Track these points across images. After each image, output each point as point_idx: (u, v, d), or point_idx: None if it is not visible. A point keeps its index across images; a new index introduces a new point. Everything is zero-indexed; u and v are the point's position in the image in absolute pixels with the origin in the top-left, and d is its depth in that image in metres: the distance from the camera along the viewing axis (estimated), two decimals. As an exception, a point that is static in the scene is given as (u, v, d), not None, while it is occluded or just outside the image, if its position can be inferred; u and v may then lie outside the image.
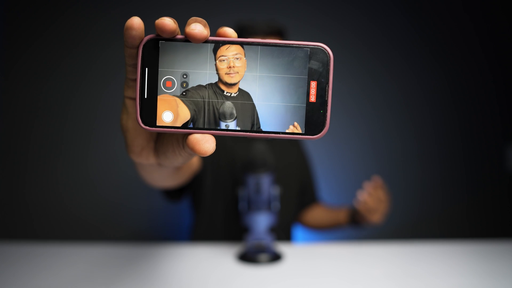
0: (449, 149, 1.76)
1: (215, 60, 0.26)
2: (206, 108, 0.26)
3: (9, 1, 1.58)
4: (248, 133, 0.26)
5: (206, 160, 0.89)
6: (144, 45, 0.26)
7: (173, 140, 0.29)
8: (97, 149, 1.60)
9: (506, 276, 0.63)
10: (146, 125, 0.26)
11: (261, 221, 0.74)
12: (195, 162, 0.66)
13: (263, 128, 0.26)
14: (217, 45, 0.26)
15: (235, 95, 0.26)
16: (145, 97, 0.26)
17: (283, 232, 0.96)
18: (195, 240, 0.94)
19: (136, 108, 0.26)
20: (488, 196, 1.78)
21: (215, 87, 0.26)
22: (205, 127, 0.26)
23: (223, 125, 0.26)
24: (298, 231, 1.61)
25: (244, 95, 0.26)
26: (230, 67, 0.26)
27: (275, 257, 0.71)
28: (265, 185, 0.72)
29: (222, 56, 0.26)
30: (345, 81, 1.70)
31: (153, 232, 1.62)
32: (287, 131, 0.26)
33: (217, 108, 0.26)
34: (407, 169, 1.73)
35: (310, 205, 1.06)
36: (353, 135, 1.70)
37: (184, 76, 0.26)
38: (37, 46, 1.59)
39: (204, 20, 0.25)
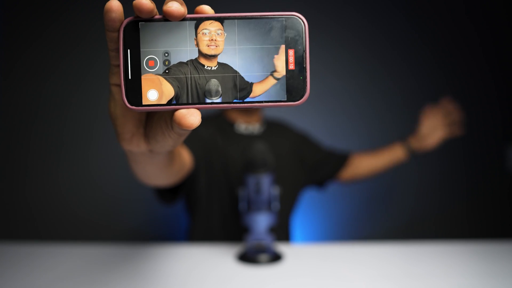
0: (449, 149, 1.76)
1: (196, 34, 0.26)
2: (188, 84, 0.27)
3: (8, 1, 1.58)
4: (232, 105, 0.27)
5: (199, 162, 0.88)
6: (124, 28, 0.26)
7: (161, 122, 0.30)
8: (96, 149, 1.60)
9: (506, 276, 0.63)
10: (132, 105, 0.27)
11: (261, 221, 0.73)
12: (186, 160, 0.66)
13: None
14: (199, 21, 0.26)
15: (215, 68, 0.27)
16: (129, 78, 0.27)
17: (282, 232, 0.95)
18: (196, 240, 0.94)
19: (121, 89, 0.27)
20: (488, 196, 1.77)
21: (196, 63, 0.27)
22: (189, 102, 0.27)
23: (208, 101, 0.27)
24: (296, 231, 1.61)
25: (224, 67, 0.27)
26: (211, 39, 0.26)
27: (275, 257, 0.71)
28: (265, 185, 0.72)
29: (205, 29, 0.26)
30: (343, 81, 1.70)
31: (152, 232, 1.62)
32: (270, 99, 0.27)
33: (199, 83, 0.27)
34: (407, 169, 1.73)
35: (343, 161, 1.05)
36: (352, 134, 1.70)
37: (166, 55, 0.26)
38: (36, 46, 1.59)
39: None
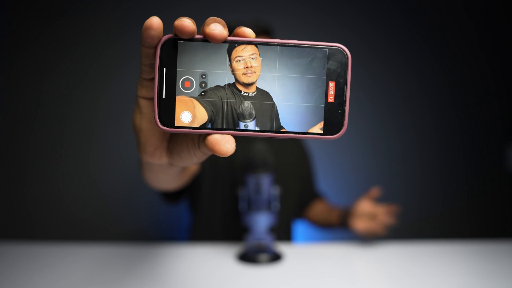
0: (450, 149, 1.76)
1: (230, 61, 0.26)
2: (224, 109, 0.26)
3: (9, 0, 1.58)
4: (267, 134, 0.26)
5: (205, 161, 0.89)
6: (162, 45, 0.26)
7: (188, 140, 0.29)
8: (97, 149, 1.60)
9: (506, 276, 0.63)
10: (164, 126, 0.26)
11: (261, 221, 0.73)
12: (195, 167, 0.66)
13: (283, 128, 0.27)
14: (232, 46, 0.26)
15: (253, 94, 0.26)
16: (163, 97, 0.26)
17: (283, 232, 0.95)
18: (194, 240, 0.94)
19: (154, 109, 0.26)
20: (489, 196, 1.78)
21: (233, 87, 0.26)
22: (224, 127, 0.26)
23: (242, 125, 0.26)
24: (298, 231, 1.61)
25: (263, 95, 0.26)
26: (247, 67, 0.26)
27: (275, 257, 0.71)
28: (265, 185, 0.72)
29: (238, 56, 0.26)
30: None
31: (153, 232, 1.62)
32: (308, 131, 0.27)
33: (235, 109, 0.26)
34: (408, 169, 1.73)
35: (312, 200, 1.06)
36: (353, 135, 1.70)
37: (203, 77, 0.26)
38: (37, 46, 1.59)
39: (223, 21, 0.25)
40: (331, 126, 0.27)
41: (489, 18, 1.77)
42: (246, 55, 0.26)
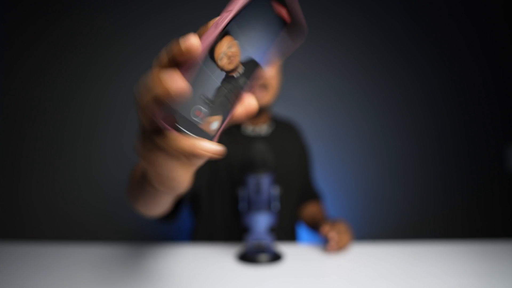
0: (449, 149, 1.76)
1: (215, 62, 0.25)
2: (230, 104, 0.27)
3: (10, 0, 1.58)
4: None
5: (204, 163, 0.88)
6: None
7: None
8: (98, 150, 1.60)
9: (506, 276, 0.63)
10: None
11: (261, 221, 0.73)
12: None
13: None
14: (211, 50, 0.25)
15: (242, 71, 0.27)
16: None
17: (284, 233, 0.95)
18: (197, 240, 0.94)
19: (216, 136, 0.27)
20: (488, 196, 1.77)
21: (227, 80, 0.26)
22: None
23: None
24: (301, 231, 1.61)
25: (248, 65, 0.27)
26: (229, 57, 0.26)
27: (275, 257, 0.71)
28: (265, 185, 0.72)
29: (221, 53, 0.26)
30: (345, 81, 1.70)
31: (154, 233, 1.62)
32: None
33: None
34: (407, 169, 1.73)
35: (308, 199, 1.07)
36: (354, 135, 1.70)
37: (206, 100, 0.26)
38: (37, 46, 1.59)
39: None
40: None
41: (489, 18, 1.77)
42: (225, 49, 0.26)
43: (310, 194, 1.08)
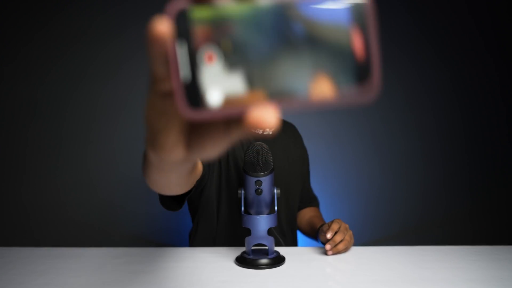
0: (453, 152, 1.75)
1: None
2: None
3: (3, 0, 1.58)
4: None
5: (204, 166, 0.87)
6: (176, 15, 0.22)
7: (212, 128, 0.25)
8: (96, 152, 1.60)
9: (509, 282, 0.62)
10: (190, 112, 0.22)
11: (261, 223, 0.73)
12: (200, 165, 0.64)
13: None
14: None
15: None
16: (184, 79, 0.22)
17: (284, 235, 0.95)
18: (196, 243, 0.93)
19: (176, 94, 0.22)
20: (493, 200, 1.76)
21: None
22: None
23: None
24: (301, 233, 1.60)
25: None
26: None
27: (275, 260, 0.70)
28: (266, 186, 0.71)
29: None
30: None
31: (153, 237, 1.61)
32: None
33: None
34: (410, 173, 1.72)
35: (305, 206, 1.06)
36: (357, 137, 1.69)
37: (228, 45, 0.22)
38: (32, 45, 1.58)
39: None
40: (360, 85, 0.23)
41: (493, 17, 1.76)
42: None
43: (306, 200, 1.07)
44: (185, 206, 1.40)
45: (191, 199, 0.93)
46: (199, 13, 0.22)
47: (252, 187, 0.71)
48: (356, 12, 0.23)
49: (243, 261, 0.70)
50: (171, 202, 0.84)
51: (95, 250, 0.76)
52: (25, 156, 1.59)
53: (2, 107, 1.58)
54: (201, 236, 0.92)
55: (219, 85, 0.22)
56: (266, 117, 0.22)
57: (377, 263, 0.72)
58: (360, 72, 0.23)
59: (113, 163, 1.60)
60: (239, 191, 0.83)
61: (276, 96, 0.22)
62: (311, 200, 1.07)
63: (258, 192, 0.71)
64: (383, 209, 1.69)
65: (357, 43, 0.23)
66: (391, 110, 1.71)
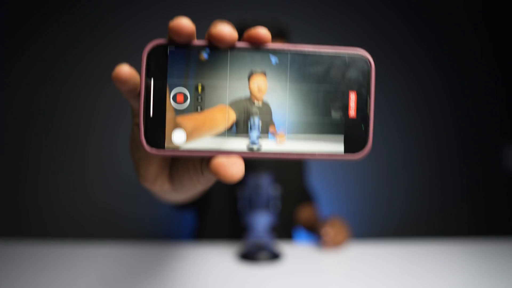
0: (449, 148, 1.76)
1: (249, 82, 0.23)
2: (243, 118, 0.23)
3: (11, 0, 1.58)
4: (279, 155, 0.23)
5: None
6: (149, 53, 0.22)
7: (189, 165, 0.26)
8: (99, 150, 1.61)
9: (505, 274, 0.64)
10: (152, 148, 0.22)
11: (261, 221, 0.74)
12: None
13: (295, 146, 0.23)
14: (250, 74, 0.23)
15: (260, 105, 0.23)
16: (151, 115, 0.22)
17: (284, 231, 0.96)
18: (197, 239, 0.94)
19: (140, 128, 0.22)
20: (488, 195, 1.78)
21: (249, 100, 0.23)
22: (229, 149, 0.23)
23: (252, 147, 0.23)
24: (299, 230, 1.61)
25: (266, 105, 0.23)
26: (259, 88, 0.23)
27: (275, 256, 0.71)
28: (265, 184, 0.72)
29: (254, 82, 0.23)
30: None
31: (154, 233, 1.62)
32: (323, 150, 0.23)
33: (250, 116, 0.23)
34: (407, 168, 1.74)
35: (302, 200, 1.07)
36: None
37: (199, 90, 0.22)
38: (38, 46, 1.59)
39: (230, 22, 0.24)
40: (353, 144, 0.23)
41: (488, 18, 1.77)
42: (260, 81, 0.23)
43: (304, 195, 1.08)
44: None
45: (196, 201, 0.95)
46: (175, 53, 0.22)
47: (252, 185, 0.73)
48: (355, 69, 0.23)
49: (242, 256, 0.71)
50: (180, 205, 0.85)
51: (96, 245, 0.77)
52: (29, 153, 1.59)
53: (8, 107, 1.59)
54: (203, 231, 0.94)
55: (186, 125, 0.22)
56: (228, 166, 0.22)
57: (374, 258, 0.73)
58: (349, 130, 0.23)
59: (116, 159, 1.61)
60: (239, 189, 0.84)
61: (248, 146, 0.23)
62: (308, 196, 1.09)
63: (258, 190, 0.72)
64: (380, 205, 1.71)
65: (351, 102, 0.23)
66: (387, 108, 1.73)
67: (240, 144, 0.23)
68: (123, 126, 1.61)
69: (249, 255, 0.71)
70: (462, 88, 1.77)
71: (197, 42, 0.22)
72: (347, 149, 0.23)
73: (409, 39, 1.74)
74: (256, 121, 0.23)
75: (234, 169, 0.22)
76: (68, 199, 1.59)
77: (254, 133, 0.23)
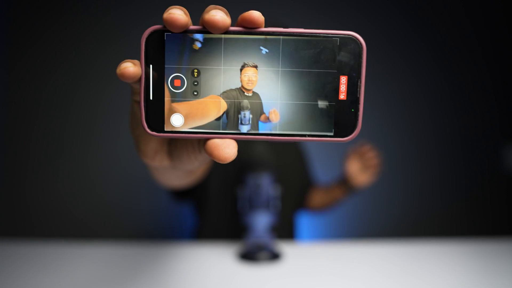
0: (448, 148, 1.77)
1: (240, 73, 0.24)
2: (233, 108, 0.24)
3: None
4: (271, 137, 0.24)
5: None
6: (147, 38, 0.23)
7: (187, 144, 0.27)
8: (100, 148, 1.61)
9: (505, 274, 0.64)
10: (152, 131, 0.24)
11: (261, 221, 0.74)
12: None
13: (286, 129, 0.24)
14: (243, 66, 0.24)
15: (251, 95, 0.24)
16: (150, 99, 0.23)
17: (284, 231, 0.96)
18: (197, 239, 0.94)
19: (141, 112, 0.23)
20: (487, 195, 1.78)
21: (240, 90, 0.24)
22: (224, 131, 0.24)
23: (244, 119, 0.24)
24: (300, 228, 1.61)
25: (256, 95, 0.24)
26: (249, 80, 0.24)
27: (275, 256, 0.71)
28: (265, 184, 0.72)
29: (246, 73, 0.24)
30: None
31: (154, 232, 1.62)
32: (316, 133, 0.24)
33: (240, 106, 0.24)
34: (406, 168, 1.74)
35: (308, 191, 1.09)
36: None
37: (195, 75, 0.23)
38: (40, 45, 1.59)
39: (225, 8, 0.24)
40: (342, 127, 0.24)
41: (487, 17, 1.77)
42: (250, 73, 0.24)
43: (310, 184, 1.10)
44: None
45: (194, 194, 0.95)
46: (172, 39, 0.23)
47: (251, 185, 0.73)
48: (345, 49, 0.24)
49: (242, 256, 0.71)
50: (179, 194, 0.85)
51: (96, 244, 0.77)
52: (30, 153, 1.59)
53: (9, 106, 1.59)
54: (203, 231, 0.94)
55: (183, 108, 0.23)
56: (221, 148, 0.23)
57: (374, 257, 0.73)
58: (339, 113, 0.24)
59: (116, 159, 1.61)
60: (239, 188, 0.84)
61: (239, 127, 0.24)
62: (313, 183, 1.11)
63: (258, 190, 0.72)
64: (380, 205, 1.71)
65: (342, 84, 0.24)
66: (386, 107, 1.73)
67: (233, 128, 0.24)
68: (123, 125, 1.61)
69: (249, 255, 0.71)
70: (461, 88, 1.77)
71: (192, 27, 0.23)
72: (336, 132, 0.24)
73: (409, 39, 1.74)
74: (247, 111, 0.24)
75: (227, 150, 0.23)
76: (68, 198, 1.59)
77: (246, 120, 0.24)
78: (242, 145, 0.94)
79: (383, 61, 1.73)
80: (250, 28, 0.23)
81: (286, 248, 0.80)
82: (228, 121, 0.24)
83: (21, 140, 1.59)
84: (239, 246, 0.81)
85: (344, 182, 0.97)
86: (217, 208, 0.92)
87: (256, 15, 0.23)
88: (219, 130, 0.24)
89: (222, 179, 0.92)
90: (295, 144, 1.06)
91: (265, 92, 0.24)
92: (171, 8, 0.22)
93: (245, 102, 0.24)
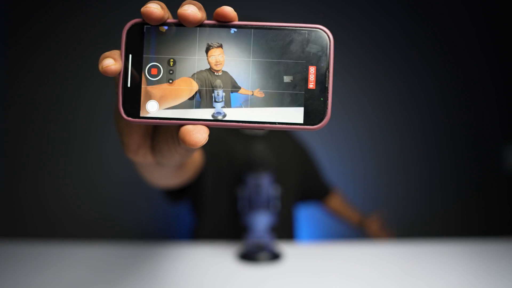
0: (448, 148, 1.77)
1: (207, 56, 0.25)
2: (205, 87, 0.25)
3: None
4: (242, 124, 0.25)
5: (207, 159, 0.88)
6: (128, 30, 0.25)
7: (167, 136, 0.28)
8: (98, 148, 1.61)
9: (505, 274, 0.64)
10: (129, 116, 0.25)
11: (261, 221, 0.74)
12: (197, 158, 0.65)
13: (258, 118, 0.25)
14: (208, 47, 0.25)
15: (220, 74, 0.25)
16: (128, 86, 0.25)
17: (283, 231, 0.96)
18: (196, 239, 0.94)
19: (118, 98, 0.25)
20: (487, 195, 1.78)
21: (209, 71, 0.25)
22: (197, 118, 0.25)
23: (216, 116, 0.25)
24: (300, 228, 1.61)
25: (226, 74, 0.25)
26: (217, 61, 0.25)
27: (275, 256, 0.71)
28: (265, 185, 0.72)
29: (212, 56, 0.25)
30: (344, 81, 1.71)
31: (153, 232, 1.62)
32: (286, 121, 0.25)
33: (212, 85, 0.25)
34: (406, 168, 1.74)
35: (328, 193, 1.15)
36: (352, 134, 1.71)
37: (171, 64, 0.25)
38: (39, 45, 1.59)
39: (199, 3, 0.25)
40: (312, 115, 0.25)
41: (487, 17, 1.77)
42: (216, 54, 0.25)
43: (326, 187, 1.15)
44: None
45: (191, 193, 0.95)
46: (150, 31, 0.25)
47: (251, 185, 0.73)
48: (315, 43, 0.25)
49: (242, 256, 0.71)
50: (172, 194, 0.85)
51: (96, 244, 0.77)
52: (30, 153, 1.59)
53: (9, 105, 1.59)
54: (202, 231, 0.94)
55: (158, 92, 0.25)
56: (193, 133, 0.24)
57: (375, 258, 0.73)
58: (309, 100, 0.25)
59: (117, 159, 1.61)
60: (238, 188, 0.84)
61: (213, 104, 0.25)
62: (329, 188, 1.16)
63: (258, 190, 0.73)
64: (380, 205, 1.71)
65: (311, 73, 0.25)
66: (387, 107, 1.73)
67: (206, 113, 0.25)
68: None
69: (249, 255, 0.71)
70: (461, 88, 1.77)
71: (170, 20, 0.25)
72: (306, 120, 0.25)
73: (409, 39, 1.74)
74: (220, 90, 0.25)
75: (198, 136, 0.24)
76: (67, 198, 1.60)
77: (219, 98, 0.25)
78: (242, 145, 0.94)
79: (383, 61, 1.73)
80: (223, 22, 0.25)
81: (286, 248, 0.80)
82: (202, 100, 0.25)
83: (21, 140, 1.59)
84: (239, 246, 0.81)
85: (362, 221, 1.11)
86: (214, 208, 0.92)
87: (228, 10, 0.25)
88: (193, 108, 0.25)
89: (217, 178, 0.91)
90: (295, 144, 1.06)
91: (233, 70, 0.25)
92: (149, 2, 0.24)
93: (218, 81, 0.25)
